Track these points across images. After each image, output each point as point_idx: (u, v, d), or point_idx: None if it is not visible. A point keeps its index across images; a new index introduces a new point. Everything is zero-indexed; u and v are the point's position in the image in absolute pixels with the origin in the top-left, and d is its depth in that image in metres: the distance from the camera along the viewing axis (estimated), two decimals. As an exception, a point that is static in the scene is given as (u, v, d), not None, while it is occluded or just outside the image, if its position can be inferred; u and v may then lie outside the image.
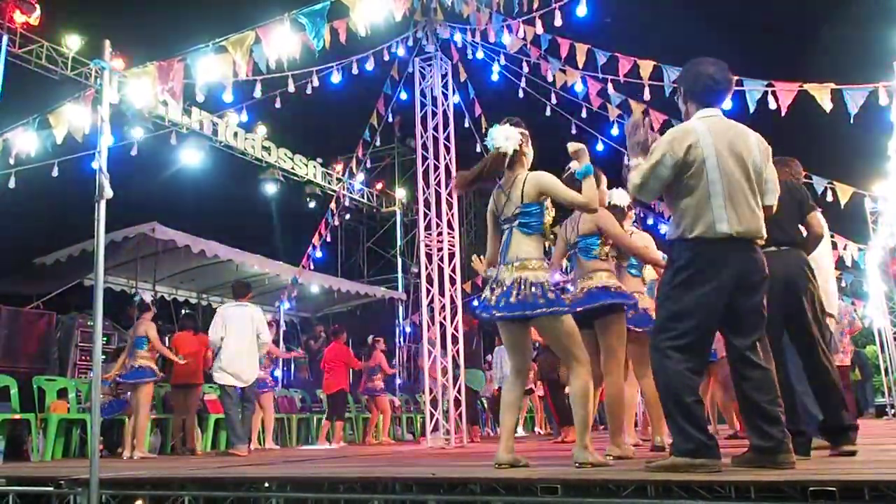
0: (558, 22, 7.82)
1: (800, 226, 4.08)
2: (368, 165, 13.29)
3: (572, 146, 3.86)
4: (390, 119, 10.43)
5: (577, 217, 4.48)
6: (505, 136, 3.82)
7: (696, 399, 3.02)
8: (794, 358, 4.02)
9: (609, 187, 4.93)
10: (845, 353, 7.22)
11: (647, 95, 7.79)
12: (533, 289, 3.57)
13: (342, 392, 9.59)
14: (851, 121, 6.28)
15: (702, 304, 3.07)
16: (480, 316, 3.80)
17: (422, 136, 8.23)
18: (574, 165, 4.02)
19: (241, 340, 7.31)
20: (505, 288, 3.65)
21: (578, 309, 4.18)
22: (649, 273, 5.52)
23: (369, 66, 8.53)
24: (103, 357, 4.51)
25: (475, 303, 4.29)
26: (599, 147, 9.18)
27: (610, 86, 8.19)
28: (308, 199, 16.47)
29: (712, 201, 3.07)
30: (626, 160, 3.42)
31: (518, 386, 3.84)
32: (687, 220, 3.11)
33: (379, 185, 18.72)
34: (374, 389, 10.26)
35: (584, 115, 9.20)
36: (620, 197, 5.00)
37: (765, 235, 3.18)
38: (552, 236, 4.00)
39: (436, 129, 8.22)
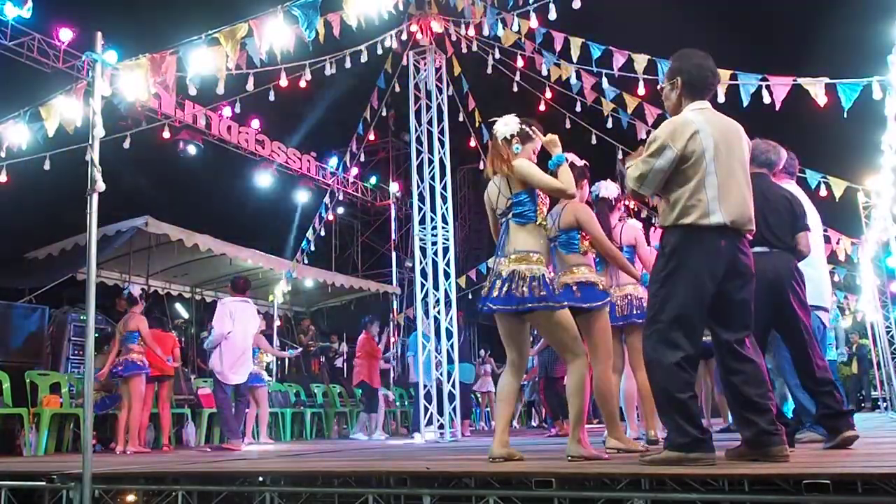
0: (552, 16, 7.77)
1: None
2: (362, 160, 13.25)
3: (546, 138, 3.86)
4: (384, 113, 10.38)
5: (558, 211, 4.43)
6: (504, 122, 3.84)
7: (690, 394, 3.01)
8: (785, 353, 4.03)
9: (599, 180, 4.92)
10: (846, 346, 7.20)
11: (641, 90, 7.77)
12: (526, 282, 3.57)
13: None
14: (845, 115, 6.27)
15: (694, 293, 3.06)
16: (479, 309, 3.80)
17: (416, 130, 8.21)
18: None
19: (246, 336, 7.33)
20: (501, 281, 3.65)
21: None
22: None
23: (362, 59, 8.49)
24: (95, 354, 4.49)
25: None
26: (593, 141, 9.15)
27: (604, 80, 8.16)
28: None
29: (707, 191, 3.08)
30: (618, 165, 3.42)
31: (514, 379, 3.83)
32: (681, 207, 3.11)
33: (373, 180, 18.67)
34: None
35: (577, 109, 9.18)
36: (608, 189, 4.98)
37: (754, 228, 3.20)
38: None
39: (430, 122, 8.20)
